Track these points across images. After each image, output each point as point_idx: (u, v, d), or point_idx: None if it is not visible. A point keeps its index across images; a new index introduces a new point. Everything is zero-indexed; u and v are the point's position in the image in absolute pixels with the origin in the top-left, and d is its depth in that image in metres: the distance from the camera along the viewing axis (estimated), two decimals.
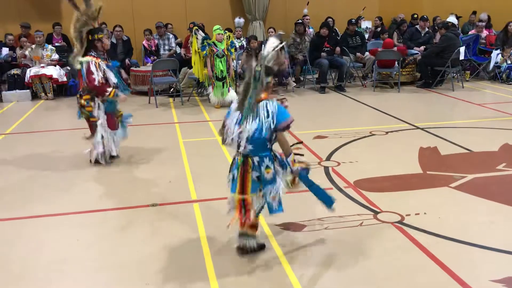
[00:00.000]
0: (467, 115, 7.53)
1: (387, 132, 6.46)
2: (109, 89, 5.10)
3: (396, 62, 9.49)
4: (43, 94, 9.19)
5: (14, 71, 9.32)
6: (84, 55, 5.07)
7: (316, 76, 10.21)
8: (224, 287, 3.01)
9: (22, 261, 3.38)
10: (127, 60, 10.07)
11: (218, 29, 8.01)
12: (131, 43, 10.56)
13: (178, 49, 10.64)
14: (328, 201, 3.35)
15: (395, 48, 9.85)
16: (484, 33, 11.32)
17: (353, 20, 10.53)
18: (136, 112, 7.14)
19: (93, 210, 4.20)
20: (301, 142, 3.43)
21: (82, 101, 5.18)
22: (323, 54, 9.62)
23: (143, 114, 7.79)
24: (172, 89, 9.44)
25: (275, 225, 3.76)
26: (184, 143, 6.14)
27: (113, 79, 5.16)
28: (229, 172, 3.25)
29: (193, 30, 8.07)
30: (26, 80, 9.12)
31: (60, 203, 4.36)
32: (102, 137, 5.21)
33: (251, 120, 3.05)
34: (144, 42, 10.49)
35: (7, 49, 9.67)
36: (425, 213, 3.96)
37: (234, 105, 3.18)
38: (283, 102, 3.30)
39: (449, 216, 3.93)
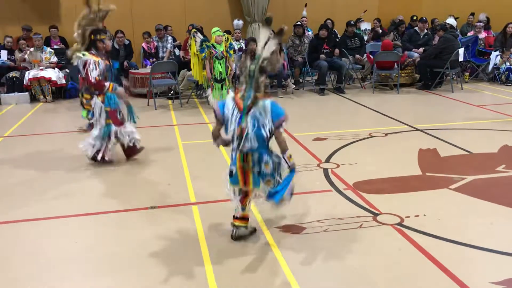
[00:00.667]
0: (467, 117, 7.52)
1: (386, 134, 6.46)
2: (107, 84, 5.14)
3: (395, 64, 9.50)
4: (41, 96, 9.17)
5: (13, 73, 9.31)
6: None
7: (315, 78, 10.21)
8: None
9: (21, 262, 3.36)
10: (125, 63, 10.07)
11: (217, 31, 8.00)
12: (131, 45, 10.56)
13: (177, 51, 10.63)
14: (279, 194, 3.31)
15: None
16: (483, 34, 11.32)
17: (352, 22, 10.54)
18: None
19: (91, 213, 4.18)
20: None
21: (83, 100, 5.24)
22: (322, 56, 9.63)
23: (142, 116, 7.73)
24: (171, 91, 9.43)
25: (274, 228, 3.75)
26: (183, 145, 6.13)
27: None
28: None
29: (192, 33, 8.06)
30: (24, 82, 9.11)
31: (58, 206, 4.34)
32: (96, 137, 5.22)
33: (251, 118, 3.20)
34: (143, 45, 10.49)
35: (6, 52, 9.67)
36: (424, 215, 3.96)
37: (229, 100, 3.30)
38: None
39: (448, 218, 3.93)
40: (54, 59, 9.50)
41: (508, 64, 10.14)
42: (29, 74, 9.09)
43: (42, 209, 4.27)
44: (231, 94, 3.37)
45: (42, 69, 9.15)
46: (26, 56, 9.31)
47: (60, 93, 9.56)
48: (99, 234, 3.80)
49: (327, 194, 4.44)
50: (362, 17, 12.11)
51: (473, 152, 5.61)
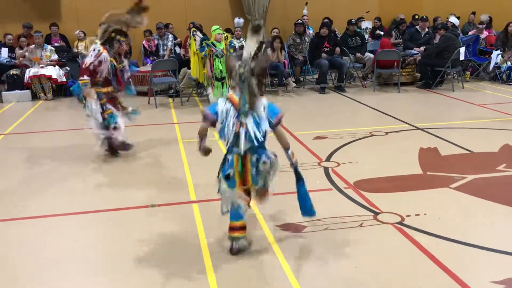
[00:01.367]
0: (467, 116, 7.51)
1: (387, 133, 6.45)
2: (84, 77, 5.15)
3: (395, 63, 9.48)
4: (42, 94, 9.17)
5: (13, 71, 9.31)
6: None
7: (316, 76, 10.20)
8: (223, 287, 3.01)
9: (21, 262, 3.36)
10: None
11: (217, 29, 7.98)
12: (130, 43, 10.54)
13: (177, 49, 10.62)
14: (308, 211, 3.44)
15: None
16: (484, 34, 11.31)
17: (353, 21, 10.52)
18: None
19: (92, 211, 4.18)
20: None
21: (80, 83, 5.27)
22: (323, 54, 9.62)
23: (143, 115, 7.74)
24: (171, 89, 9.42)
25: (275, 226, 3.75)
26: (183, 144, 6.12)
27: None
28: (220, 171, 3.33)
29: (191, 32, 8.06)
30: (25, 80, 9.11)
31: (59, 204, 4.34)
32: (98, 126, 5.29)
33: (250, 119, 3.13)
34: (144, 43, 10.48)
35: (7, 49, 9.66)
36: (425, 214, 3.95)
37: (223, 101, 3.21)
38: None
39: (449, 217, 3.92)
40: (55, 56, 9.50)
41: (509, 63, 10.12)
42: (29, 72, 9.09)
43: (42, 207, 4.27)
44: (224, 95, 3.31)
45: (42, 67, 9.16)
46: (26, 54, 9.30)
47: (61, 91, 9.57)
48: (99, 233, 3.80)
49: (328, 193, 4.44)
50: (365, 17, 12.10)
51: (473, 151, 5.60)
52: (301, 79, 10.38)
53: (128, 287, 3.07)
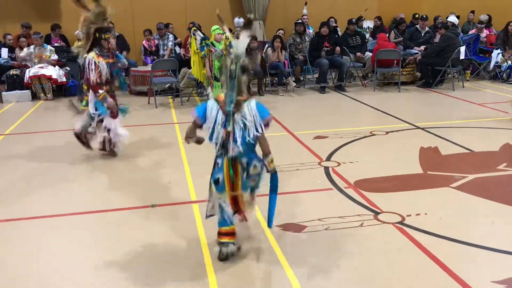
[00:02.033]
0: (468, 115, 7.50)
1: (387, 132, 6.44)
2: (101, 91, 5.21)
3: (395, 61, 9.48)
4: (42, 94, 9.16)
5: (13, 71, 9.31)
6: (89, 51, 5.21)
7: (316, 76, 10.19)
8: (223, 287, 3.00)
9: (21, 262, 3.36)
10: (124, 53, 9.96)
11: (217, 29, 7.97)
12: (123, 38, 10.47)
13: (177, 49, 10.61)
14: (270, 220, 3.36)
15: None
16: (484, 33, 11.30)
17: (354, 20, 10.52)
18: (135, 112, 7.13)
19: (92, 211, 4.18)
20: None
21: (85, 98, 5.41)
22: (323, 53, 9.61)
23: (143, 114, 7.78)
24: (172, 89, 9.41)
25: (275, 226, 3.74)
26: (183, 143, 6.11)
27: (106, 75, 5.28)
28: (211, 175, 3.25)
29: (192, 31, 8.05)
30: (25, 80, 9.10)
31: (59, 204, 4.34)
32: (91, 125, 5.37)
33: (239, 121, 3.04)
34: (144, 42, 10.47)
35: (7, 49, 9.65)
36: (425, 214, 3.95)
37: (211, 103, 3.14)
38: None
39: (450, 217, 3.92)
40: (55, 57, 9.49)
41: (509, 62, 10.11)
42: (29, 72, 9.08)
43: (42, 207, 4.27)
44: (214, 97, 3.24)
45: (42, 67, 9.14)
46: (31, 50, 9.25)
47: (61, 91, 9.55)
48: (99, 233, 3.80)
49: (328, 193, 4.43)
50: (363, 15, 12.09)
51: (474, 151, 5.59)
52: (301, 78, 10.37)
53: (128, 287, 3.07)
